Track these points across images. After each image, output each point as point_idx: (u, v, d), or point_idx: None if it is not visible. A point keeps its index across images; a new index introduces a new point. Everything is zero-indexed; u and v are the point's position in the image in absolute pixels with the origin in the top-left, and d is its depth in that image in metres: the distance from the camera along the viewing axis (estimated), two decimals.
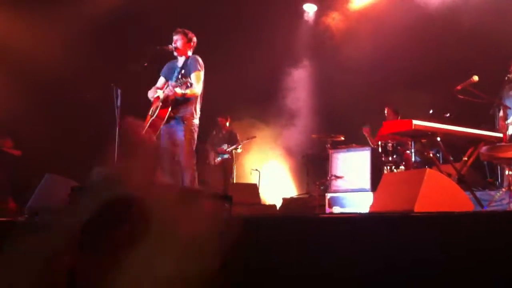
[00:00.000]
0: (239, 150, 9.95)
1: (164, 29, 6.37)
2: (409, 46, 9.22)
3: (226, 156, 9.74)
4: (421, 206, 3.61)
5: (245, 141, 9.95)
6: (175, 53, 5.90)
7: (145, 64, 6.01)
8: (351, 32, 10.04)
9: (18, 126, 9.35)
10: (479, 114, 6.64)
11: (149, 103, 5.89)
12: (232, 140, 9.85)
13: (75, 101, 9.38)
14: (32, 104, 9.41)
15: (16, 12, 9.28)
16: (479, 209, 4.97)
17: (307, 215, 5.58)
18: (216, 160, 9.73)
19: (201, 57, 5.87)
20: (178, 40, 5.86)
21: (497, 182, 7.22)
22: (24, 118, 9.27)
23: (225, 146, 9.74)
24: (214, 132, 9.88)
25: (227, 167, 9.79)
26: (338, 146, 8.90)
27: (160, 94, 5.68)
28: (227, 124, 9.98)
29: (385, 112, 8.73)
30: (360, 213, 5.94)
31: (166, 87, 5.71)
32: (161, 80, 6.03)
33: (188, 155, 5.61)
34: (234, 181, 9.90)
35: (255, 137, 10.14)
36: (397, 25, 9.47)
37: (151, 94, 5.91)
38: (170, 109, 5.60)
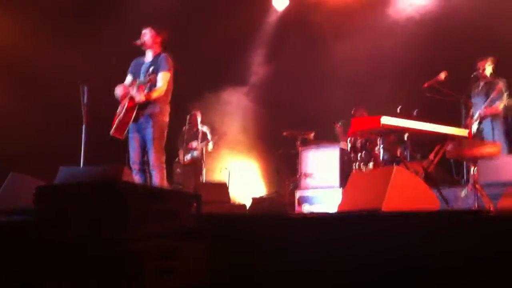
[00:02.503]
0: (209, 148, 9.84)
1: (135, 23, 6.26)
2: (378, 42, 9.31)
3: (195, 153, 9.65)
4: (389, 204, 3.65)
5: (216, 138, 9.85)
6: (143, 48, 5.79)
7: (113, 61, 5.94)
8: (324, 26, 10.05)
9: None
10: (447, 111, 6.74)
11: (116, 101, 5.80)
12: (203, 137, 9.77)
13: (41, 98, 9.23)
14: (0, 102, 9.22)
15: None
16: (445, 207, 5.05)
17: (275, 214, 5.60)
18: (186, 158, 9.62)
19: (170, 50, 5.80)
20: (146, 35, 5.76)
21: (463, 180, 7.33)
22: None
23: (195, 143, 9.63)
24: (185, 128, 9.72)
25: (197, 165, 9.70)
26: (308, 143, 8.93)
27: (132, 92, 5.56)
28: (199, 119, 9.83)
29: (352, 112, 8.76)
30: (328, 213, 5.99)
31: (134, 87, 5.60)
32: (129, 78, 5.87)
33: (157, 153, 5.54)
34: (204, 180, 9.81)
35: (225, 134, 10.07)
36: (367, 21, 9.56)
37: (118, 91, 5.76)
38: (137, 107, 5.53)
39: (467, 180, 6.64)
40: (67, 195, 3.01)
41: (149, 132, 5.55)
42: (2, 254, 3.52)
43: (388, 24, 9.46)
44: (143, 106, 5.54)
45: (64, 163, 5.53)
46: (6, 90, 9.28)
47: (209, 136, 9.80)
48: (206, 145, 9.74)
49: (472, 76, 7.02)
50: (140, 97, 5.48)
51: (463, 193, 5.69)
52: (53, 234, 2.89)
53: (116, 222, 2.71)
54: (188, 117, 9.73)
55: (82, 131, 5.97)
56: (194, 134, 9.73)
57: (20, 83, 9.29)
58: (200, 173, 9.74)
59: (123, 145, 5.75)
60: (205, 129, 9.87)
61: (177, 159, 9.73)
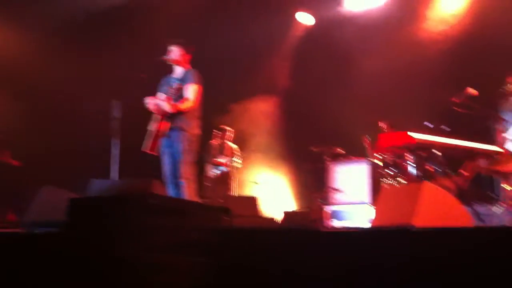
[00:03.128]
0: (238, 165, 9.85)
1: (164, 37, 6.35)
2: (406, 57, 9.25)
3: (222, 168, 9.67)
4: (420, 220, 3.59)
5: (244, 154, 9.88)
6: (171, 64, 5.87)
7: (143, 76, 6.02)
8: (350, 43, 10.03)
9: (17, 139, 9.35)
10: (476, 126, 6.64)
11: (148, 115, 5.88)
12: (231, 152, 9.81)
13: (74, 112, 9.42)
14: (31, 116, 9.42)
15: (12, 26, 9.29)
16: (478, 223, 4.96)
17: (308, 229, 5.57)
18: (212, 172, 9.65)
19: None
20: (173, 51, 5.85)
21: (496, 196, 7.20)
22: (23, 131, 9.28)
23: (222, 159, 9.67)
24: (212, 142, 9.77)
25: (225, 180, 9.73)
26: (337, 158, 8.89)
27: (160, 103, 5.62)
28: (227, 134, 9.86)
29: (380, 126, 8.69)
30: (360, 228, 5.94)
31: (162, 99, 5.65)
32: (160, 96, 5.98)
33: (186, 166, 5.58)
34: (234, 194, 9.81)
35: (253, 150, 10.08)
36: (394, 37, 9.52)
37: (149, 105, 5.86)
38: (169, 121, 5.59)
39: (500, 197, 6.52)
40: (98, 207, 3.06)
41: (179, 145, 5.59)
42: (35, 265, 3.58)
43: (414, 39, 9.40)
44: (172, 119, 5.59)
45: (95, 176, 5.61)
46: (38, 104, 9.50)
47: (237, 152, 9.83)
48: (235, 161, 9.77)
49: (500, 90, 6.89)
50: (167, 107, 5.54)
51: (497, 209, 5.59)
52: (83, 245, 2.94)
53: (143, 235, 2.74)
54: (216, 131, 9.78)
55: (113, 145, 6.05)
56: (221, 149, 9.76)
57: (51, 99, 9.49)
58: (228, 187, 9.76)
59: (157, 158, 5.82)
60: (233, 145, 9.90)
61: (204, 173, 9.76)
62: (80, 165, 8.37)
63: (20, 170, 9.43)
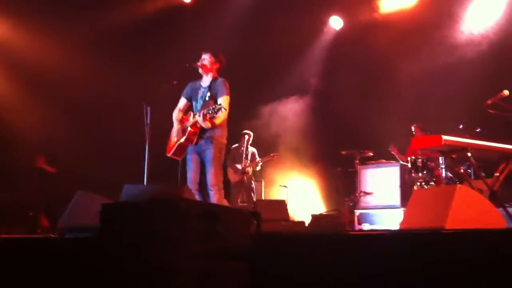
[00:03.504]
0: (258, 168, 9.85)
1: (194, 46, 6.42)
2: (438, 60, 9.15)
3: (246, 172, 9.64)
4: (453, 223, 3.55)
5: (265, 159, 9.82)
6: (201, 71, 5.90)
7: (175, 82, 6.10)
8: (383, 46, 9.95)
9: (51, 144, 9.54)
10: (509, 129, 6.52)
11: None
12: (252, 157, 9.80)
13: (106, 118, 9.56)
14: (65, 123, 9.61)
15: (47, 34, 9.50)
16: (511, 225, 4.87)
17: (336, 232, 5.54)
18: (234, 176, 9.65)
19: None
20: (206, 59, 5.88)
21: None
22: (57, 137, 9.46)
23: (239, 165, 9.63)
24: (235, 146, 9.75)
25: (245, 184, 9.70)
26: (367, 161, 8.84)
27: (199, 120, 5.65)
28: (246, 139, 9.79)
29: (413, 130, 8.61)
30: (389, 230, 5.89)
31: (199, 115, 5.64)
32: (183, 101, 6.05)
33: (216, 173, 5.62)
34: (257, 198, 9.79)
35: (275, 155, 9.96)
36: (428, 39, 9.41)
37: (175, 116, 5.99)
38: (199, 131, 5.65)
39: None
40: (130, 212, 3.10)
41: (209, 153, 5.64)
42: (69, 270, 3.64)
43: (448, 42, 9.28)
44: (204, 129, 5.66)
45: (128, 181, 5.68)
46: (71, 113, 9.68)
47: (257, 157, 9.80)
48: (255, 165, 9.72)
49: None
50: (206, 125, 5.59)
51: None
52: (117, 251, 2.98)
53: (175, 240, 2.76)
54: (241, 135, 9.74)
55: (145, 150, 6.13)
56: (243, 153, 9.69)
57: (85, 106, 9.66)
58: (249, 193, 9.71)
59: (183, 164, 5.88)
60: (253, 149, 9.86)
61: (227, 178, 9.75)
62: (114, 170, 8.48)
63: (55, 175, 9.61)
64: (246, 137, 9.71)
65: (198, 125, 5.65)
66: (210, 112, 5.51)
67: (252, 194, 9.76)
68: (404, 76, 9.40)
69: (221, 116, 5.64)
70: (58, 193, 7.70)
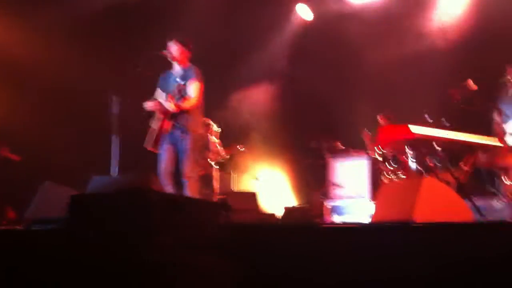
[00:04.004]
0: (221, 160, 9.63)
1: (162, 33, 6.29)
2: (406, 50, 9.20)
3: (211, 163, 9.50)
4: (420, 215, 3.59)
5: (228, 151, 9.63)
6: (170, 60, 5.79)
7: (139, 69, 5.89)
8: (351, 34, 9.97)
9: (16, 134, 9.32)
10: (476, 119, 6.60)
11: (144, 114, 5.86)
12: (214, 146, 9.67)
13: (74, 108, 9.39)
14: (30, 112, 9.39)
15: (11, 18, 9.28)
16: (478, 217, 4.96)
17: (308, 224, 5.57)
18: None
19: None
20: (173, 48, 5.77)
21: (495, 190, 7.19)
22: (22, 126, 9.24)
23: (208, 154, 9.47)
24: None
25: (208, 176, 9.53)
26: (336, 152, 8.88)
27: (164, 104, 5.58)
28: (211, 129, 9.59)
29: (378, 119, 8.66)
30: (361, 223, 5.94)
31: (164, 97, 5.62)
32: (158, 92, 5.89)
33: (191, 164, 5.56)
34: (227, 190, 9.68)
35: (240, 147, 9.76)
36: (394, 29, 9.47)
37: (148, 106, 5.76)
38: (172, 119, 5.56)
39: (499, 190, 6.51)
40: (98, 203, 3.06)
41: (184, 143, 5.55)
42: (35, 262, 3.58)
43: (415, 31, 9.36)
44: (175, 117, 5.56)
45: (95, 173, 5.60)
46: (36, 102, 9.47)
47: (218, 147, 9.53)
48: (217, 157, 9.45)
49: (500, 81, 6.83)
50: (170, 107, 5.52)
51: (497, 203, 5.59)
52: (84, 242, 2.94)
53: (143, 231, 2.74)
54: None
55: (112, 141, 6.04)
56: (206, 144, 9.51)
57: (51, 95, 9.44)
58: (212, 184, 9.49)
59: (154, 154, 5.80)
60: (215, 139, 9.60)
61: None
62: (81, 161, 8.36)
63: (19, 165, 9.39)
64: (211, 127, 9.46)
65: (164, 109, 5.56)
66: (175, 93, 5.46)
67: (216, 186, 9.49)
68: (373, 65, 9.42)
69: (190, 101, 5.56)
70: (24, 184, 7.55)
